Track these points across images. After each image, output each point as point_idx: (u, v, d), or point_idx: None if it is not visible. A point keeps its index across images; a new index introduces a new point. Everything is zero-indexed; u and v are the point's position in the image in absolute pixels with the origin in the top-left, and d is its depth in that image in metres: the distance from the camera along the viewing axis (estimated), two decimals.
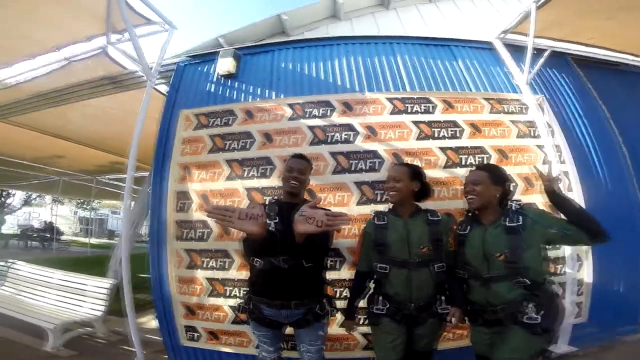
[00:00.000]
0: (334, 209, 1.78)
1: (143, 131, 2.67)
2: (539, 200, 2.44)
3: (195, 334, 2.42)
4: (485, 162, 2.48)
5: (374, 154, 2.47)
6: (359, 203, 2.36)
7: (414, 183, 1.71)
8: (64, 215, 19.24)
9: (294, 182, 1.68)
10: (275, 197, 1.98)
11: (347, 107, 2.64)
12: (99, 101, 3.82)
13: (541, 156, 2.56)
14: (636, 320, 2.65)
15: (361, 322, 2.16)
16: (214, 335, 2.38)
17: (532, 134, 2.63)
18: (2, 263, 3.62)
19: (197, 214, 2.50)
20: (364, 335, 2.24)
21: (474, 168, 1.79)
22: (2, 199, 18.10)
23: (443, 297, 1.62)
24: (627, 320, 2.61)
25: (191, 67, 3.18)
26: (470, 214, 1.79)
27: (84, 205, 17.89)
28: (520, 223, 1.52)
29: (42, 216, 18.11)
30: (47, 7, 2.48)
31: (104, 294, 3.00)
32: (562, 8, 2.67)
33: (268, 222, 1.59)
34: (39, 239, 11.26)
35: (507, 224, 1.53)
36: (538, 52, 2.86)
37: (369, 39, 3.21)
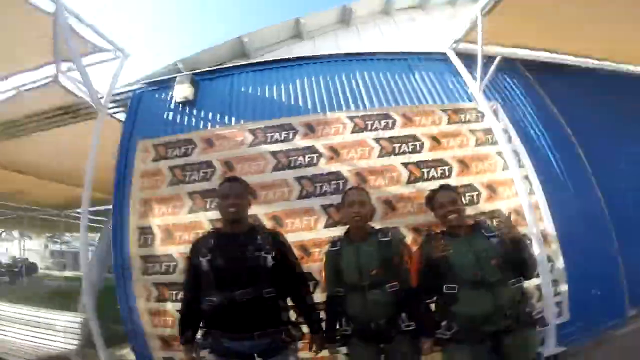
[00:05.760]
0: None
1: (107, 163, 2.55)
2: (504, 206, 2.47)
3: None
4: (447, 174, 2.52)
5: (337, 175, 2.46)
6: (326, 226, 2.34)
7: (372, 205, 1.75)
8: (34, 250, 18.21)
9: (233, 208, 1.57)
10: (213, 229, 1.81)
11: (310, 129, 2.63)
12: (58, 133, 3.63)
13: (501, 162, 2.62)
14: (622, 313, 2.60)
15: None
16: None
17: (490, 141, 2.69)
18: None
19: (161, 248, 2.42)
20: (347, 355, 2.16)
21: (439, 189, 1.74)
22: None
23: (404, 314, 1.59)
24: (612, 315, 2.57)
25: (148, 94, 3.09)
26: (437, 232, 1.74)
27: (55, 239, 17.02)
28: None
29: (10, 251, 17.02)
30: None
31: (76, 328, 2.80)
32: (508, 13, 2.64)
33: (200, 259, 1.53)
34: (8, 274, 10.57)
35: (485, 234, 1.61)
36: (489, 59, 2.91)
37: (329, 58, 3.23)
